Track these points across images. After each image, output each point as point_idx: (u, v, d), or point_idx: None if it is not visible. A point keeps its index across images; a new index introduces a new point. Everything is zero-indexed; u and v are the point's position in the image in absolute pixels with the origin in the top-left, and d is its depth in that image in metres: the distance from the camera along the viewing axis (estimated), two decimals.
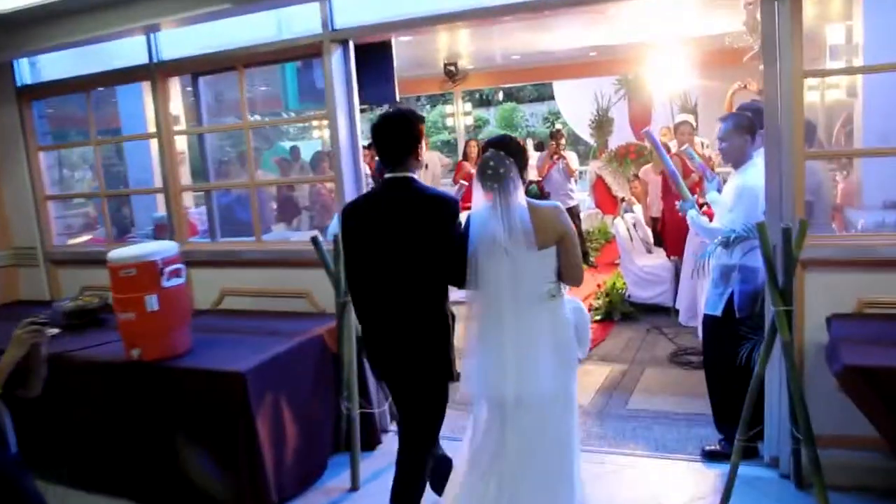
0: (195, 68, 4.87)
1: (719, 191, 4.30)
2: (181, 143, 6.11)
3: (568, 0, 3.89)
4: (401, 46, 8.39)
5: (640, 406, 4.89)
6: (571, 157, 9.40)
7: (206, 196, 5.20)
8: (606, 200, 11.27)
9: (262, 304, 4.76)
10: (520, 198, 2.73)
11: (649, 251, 7.56)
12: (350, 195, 4.39)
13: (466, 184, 9.00)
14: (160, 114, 4.94)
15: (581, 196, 10.73)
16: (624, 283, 7.27)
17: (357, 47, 6.33)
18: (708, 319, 4.01)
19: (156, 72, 4.88)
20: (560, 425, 2.88)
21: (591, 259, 9.59)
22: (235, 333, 4.22)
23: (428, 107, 24.10)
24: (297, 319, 4.41)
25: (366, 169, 5.46)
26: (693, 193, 4.41)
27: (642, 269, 7.05)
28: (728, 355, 3.75)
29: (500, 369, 2.75)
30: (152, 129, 5.15)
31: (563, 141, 9.27)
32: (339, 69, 4.33)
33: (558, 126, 10.52)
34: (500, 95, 26.43)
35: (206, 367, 3.67)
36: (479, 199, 2.78)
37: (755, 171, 3.79)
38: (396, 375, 3.07)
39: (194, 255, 4.92)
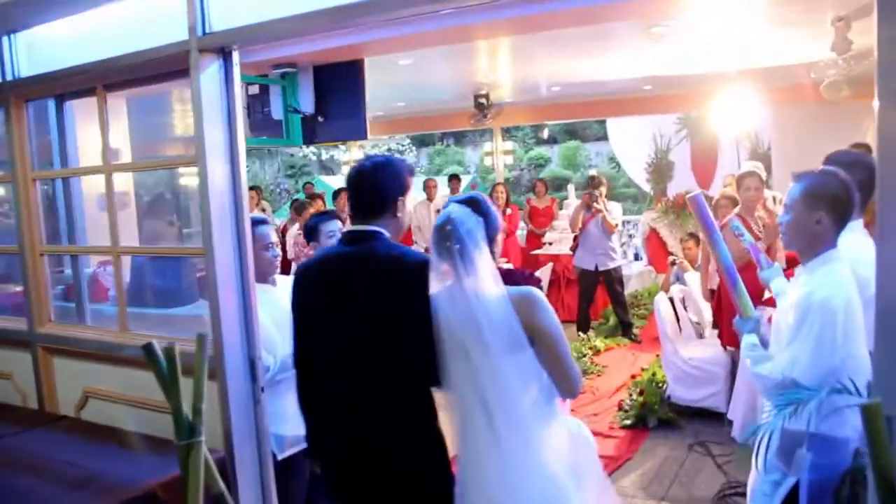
0: (52, 90, 3.59)
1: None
2: (124, 181, 4.92)
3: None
4: (418, 72, 7.34)
5: None
6: (614, 209, 7.84)
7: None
8: (661, 257, 9.61)
9: (128, 415, 3.44)
10: (485, 274, 2.12)
11: (700, 335, 5.91)
12: (228, 273, 3.01)
13: None
14: (14, 149, 3.66)
15: (620, 255, 9.07)
16: (665, 378, 5.65)
17: (319, 69, 5.05)
18: None
19: (8, 93, 3.63)
20: None
21: (635, 332, 7.95)
22: (38, 474, 2.87)
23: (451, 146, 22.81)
24: (150, 453, 3.07)
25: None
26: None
27: (688, 361, 5.42)
28: None
29: None
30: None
31: (602, 189, 7.71)
32: (214, 90, 2.95)
33: (593, 172, 8.91)
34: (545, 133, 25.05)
35: None
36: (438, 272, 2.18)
37: (837, 274, 2.34)
38: None
39: (59, 342, 3.69)
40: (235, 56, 2.97)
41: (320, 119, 4.99)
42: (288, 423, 3.33)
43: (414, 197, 2.70)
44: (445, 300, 2.14)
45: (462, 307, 2.10)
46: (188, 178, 14.44)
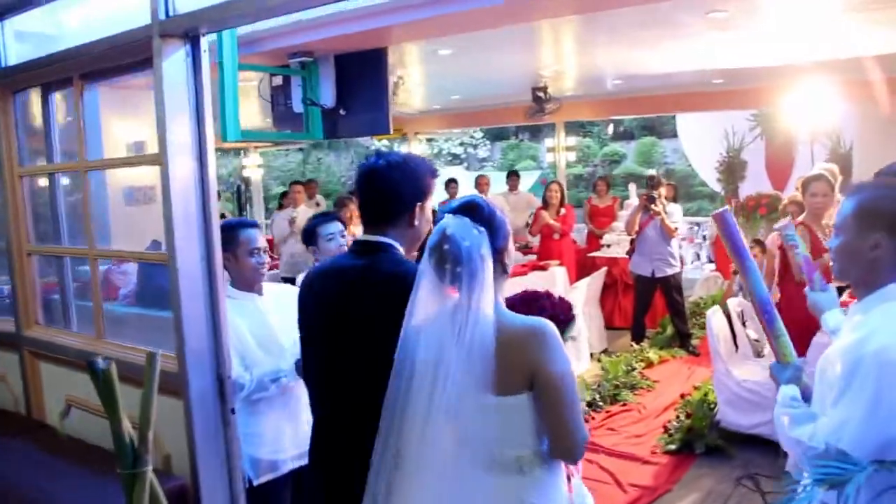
0: (37, 80, 3.37)
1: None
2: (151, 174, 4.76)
3: None
4: (458, 62, 6.96)
5: None
6: (674, 212, 7.29)
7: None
8: (729, 263, 8.97)
9: (106, 430, 3.21)
10: (487, 299, 1.80)
11: (759, 354, 5.35)
12: (194, 282, 2.73)
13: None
14: (1, 143, 3.48)
15: (683, 260, 8.49)
16: (716, 400, 5.13)
17: (340, 59, 4.76)
18: None
19: None
20: None
21: (694, 343, 7.39)
22: None
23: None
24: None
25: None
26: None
27: (742, 383, 4.88)
28: None
29: None
30: None
31: (662, 190, 7.16)
32: (179, 80, 2.66)
33: (652, 172, 8.36)
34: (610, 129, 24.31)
35: None
36: (424, 296, 1.87)
37: None
38: None
39: (43, 347, 3.52)
40: (203, 42, 2.67)
41: (342, 112, 4.70)
42: (265, 445, 3.05)
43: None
44: (435, 320, 1.85)
45: (459, 331, 1.79)
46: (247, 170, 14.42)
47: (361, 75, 4.56)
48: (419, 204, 2.17)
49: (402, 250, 2.16)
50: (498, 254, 1.91)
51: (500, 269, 1.93)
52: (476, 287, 1.80)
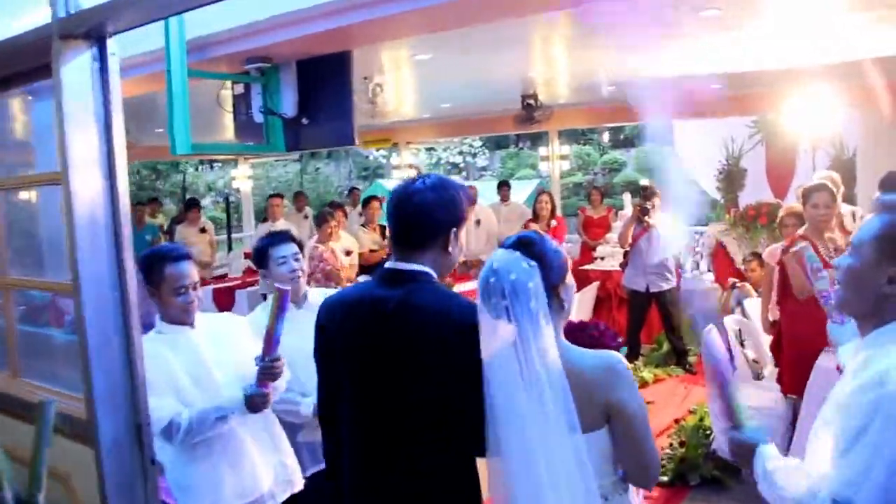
0: None
1: None
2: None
3: None
4: (438, 69, 6.62)
5: None
6: (668, 222, 6.96)
7: None
8: (728, 275, 8.65)
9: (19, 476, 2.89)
10: (545, 335, 1.80)
11: (758, 377, 5.00)
12: (103, 316, 2.40)
13: None
14: None
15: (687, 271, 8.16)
16: (711, 427, 4.78)
17: (303, 65, 4.45)
18: None
19: None
20: None
21: (691, 360, 7.05)
22: None
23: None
24: None
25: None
26: None
27: None
28: None
29: None
30: None
31: (656, 201, 6.83)
32: (84, 88, 2.33)
33: (646, 182, 7.99)
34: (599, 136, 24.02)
35: None
36: (488, 332, 1.85)
37: None
38: None
39: None
40: (111, 44, 2.34)
41: (304, 122, 4.38)
42: (203, 498, 2.73)
43: None
44: (504, 362, 1.83)
45: (521, 372, 1.81)
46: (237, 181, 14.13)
47: (324, 82, 4.25)
48: (455, 230, 2.08)
49: (436, 280, 2.08)
50: (553, 289, 1.92)
51: (557, 304, 1.95)
52: (530, 322, 1.80)
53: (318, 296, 3.25)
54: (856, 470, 1.50)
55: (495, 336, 1.85)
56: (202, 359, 2.79)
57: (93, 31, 2.30)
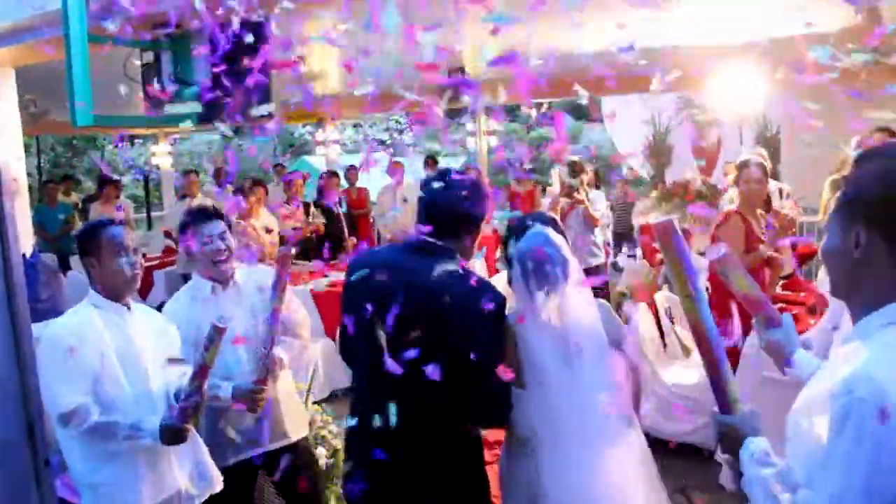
0: None
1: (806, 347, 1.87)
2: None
3: None
4: (362, 39, 6.35)
5: None
6: (596, 200, 6.94)
7: None
8: (657, 252, 8.76)
9: None
10: (575, 292, 2.25)
11: (688, 354, 5.00)
12: None
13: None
14: None
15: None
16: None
17: (213, 32, 4.16)
18: None
19: None
20: None
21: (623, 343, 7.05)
22: None
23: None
24: None
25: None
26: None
27: (671, 388, 4.52)
28: None
29: None
30: None
31: (584, 177, 6.78)
32: None
33: (574, 157, 8.04)
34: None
35: None
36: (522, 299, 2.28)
37: None
38: None
39: None
40: None
41: (217, 94, 4.09)
42: (116, 498, 2.55)
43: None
44: (534, 329, 2.22)
45: (553, 330, 2.21)
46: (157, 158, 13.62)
47: (239, 52, 3.97)
48: (478, 227, 2.35)
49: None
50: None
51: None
52: (570, 278, 2.23)
53: (245, 276, 3.05)
54: (834, 487, 1.30)
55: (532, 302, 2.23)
56: (133, 343, 2.61)
57: None
